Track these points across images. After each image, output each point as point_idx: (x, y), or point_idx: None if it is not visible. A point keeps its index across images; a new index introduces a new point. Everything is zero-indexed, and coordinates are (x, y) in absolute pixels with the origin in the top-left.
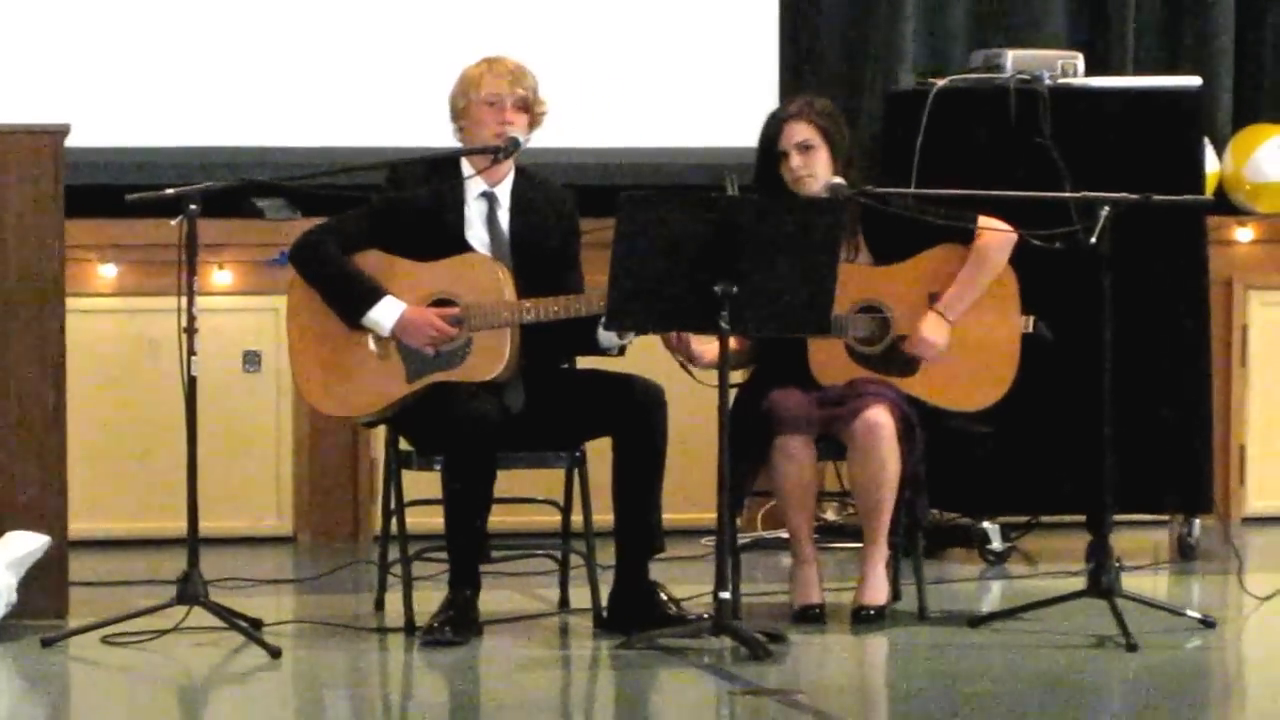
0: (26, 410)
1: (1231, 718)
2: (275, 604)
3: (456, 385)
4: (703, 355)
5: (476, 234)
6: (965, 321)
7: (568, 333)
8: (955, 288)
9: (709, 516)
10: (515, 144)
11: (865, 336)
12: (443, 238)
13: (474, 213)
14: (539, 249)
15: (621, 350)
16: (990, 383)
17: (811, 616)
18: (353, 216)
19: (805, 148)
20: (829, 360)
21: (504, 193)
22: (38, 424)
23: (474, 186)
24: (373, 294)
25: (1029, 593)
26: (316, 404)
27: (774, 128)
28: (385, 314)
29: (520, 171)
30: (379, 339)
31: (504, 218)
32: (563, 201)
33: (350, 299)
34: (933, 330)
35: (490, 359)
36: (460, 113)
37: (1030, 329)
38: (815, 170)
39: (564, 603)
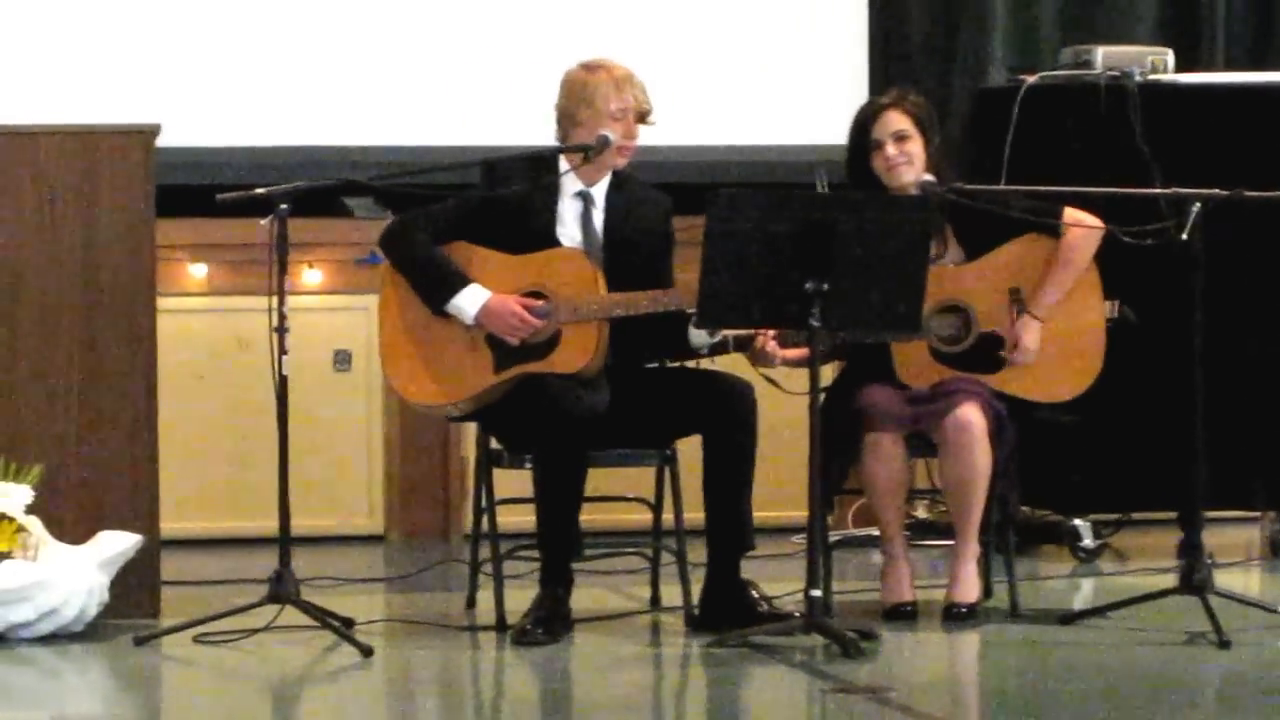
0: (118, 410)
1: None
2: (367, 603)
3: (547, 383)
4: (776, 353)
5: (568, 232)
6: (1049, 313)
7: (658, 332)
8: (1045, 286)
9: (799, 514)
10: (606, 142)
11: (948, 336)
12: (532, 234)
13: (567, 211)
14: (631, 251)
15: (712, 351)
16: (1078, 372)
17: (903, 614)
18: (444, 208)
19: (901, 137)
20: (914, 363)
21: (600, 193)
22: (129, 423)
23: (570, 185)
24: (458, 280)
25: (1120, 590)
26: (403, 391)
27: (868, 118)
28: (469, 301)
29: (617, 173)
30: (466, 328)
31: (598, 218)
32: (659, 206)
33: (435, 284)
34: (1033, 338)
35: (578, 351)
36: (575, 118)
37: (1115, 314)
38: (911, 158)
39: (655, 601)
